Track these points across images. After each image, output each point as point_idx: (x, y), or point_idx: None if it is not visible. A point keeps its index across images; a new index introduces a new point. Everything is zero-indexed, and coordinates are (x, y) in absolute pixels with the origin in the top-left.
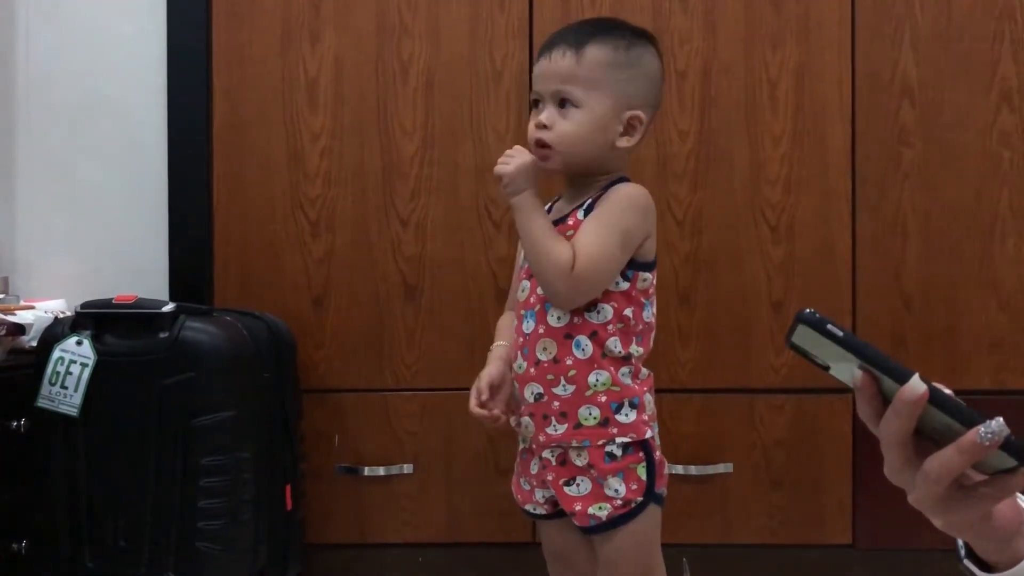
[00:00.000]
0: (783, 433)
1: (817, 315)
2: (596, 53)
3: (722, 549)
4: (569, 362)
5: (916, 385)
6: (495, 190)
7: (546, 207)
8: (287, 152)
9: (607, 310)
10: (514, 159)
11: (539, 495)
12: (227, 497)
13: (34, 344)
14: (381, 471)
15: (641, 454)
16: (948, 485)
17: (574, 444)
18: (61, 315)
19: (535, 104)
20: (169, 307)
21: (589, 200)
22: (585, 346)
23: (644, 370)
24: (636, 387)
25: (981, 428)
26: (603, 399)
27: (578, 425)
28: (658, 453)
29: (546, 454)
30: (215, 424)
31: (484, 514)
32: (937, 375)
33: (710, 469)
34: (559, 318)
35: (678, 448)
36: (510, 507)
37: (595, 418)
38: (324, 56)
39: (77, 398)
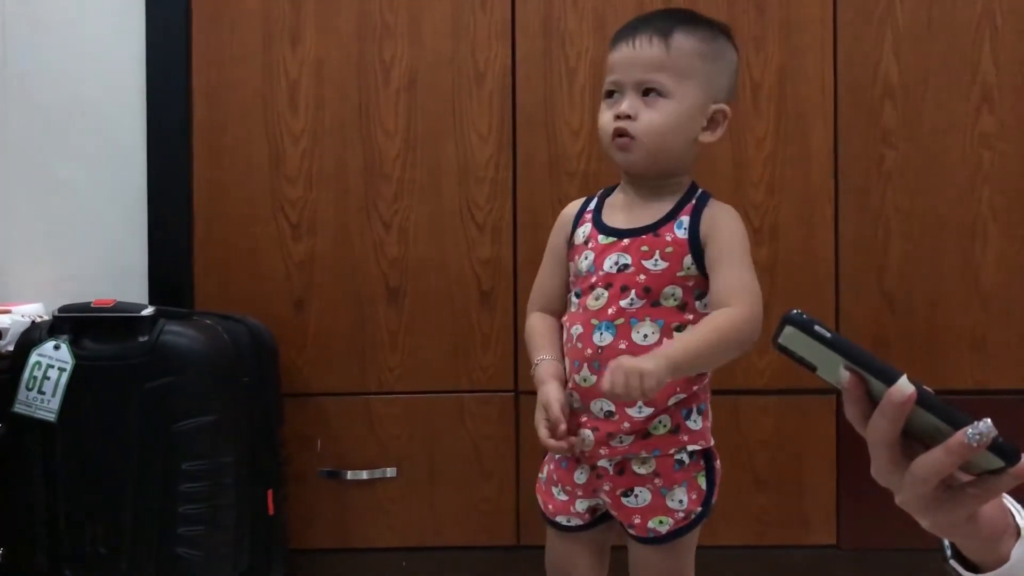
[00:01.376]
0: (768, 434)
1: (804, 316)
2: (685, 42)
3: (707, 551)
4: None
5: (904, 386)
6: (478, 192)
7: (592, 203)
8: (268, 154)
9: None
10: (644, 373)
11: (580, 505)
12: (208, 502)
13: (11, 349)
14: (364, 475)
15: (702, 462)
16: (935, 486)
17: (643, 455)
18: (38, 319)
19: (609, 95)
20: (148, 311)
21: (683, 217)
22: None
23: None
24: (702, 394)
25: (969, 429)
26: (673, 408)
27: (647, 435)
28: (718, 462)
29: (603, 463)
30: (196, 429)
31: (468, 517)
32: (919, 375)
33: None
34: (646, 336)
35: None
36: (494, 510)
37: (665, 426)
38: (305, 57)
39: (55, 403)
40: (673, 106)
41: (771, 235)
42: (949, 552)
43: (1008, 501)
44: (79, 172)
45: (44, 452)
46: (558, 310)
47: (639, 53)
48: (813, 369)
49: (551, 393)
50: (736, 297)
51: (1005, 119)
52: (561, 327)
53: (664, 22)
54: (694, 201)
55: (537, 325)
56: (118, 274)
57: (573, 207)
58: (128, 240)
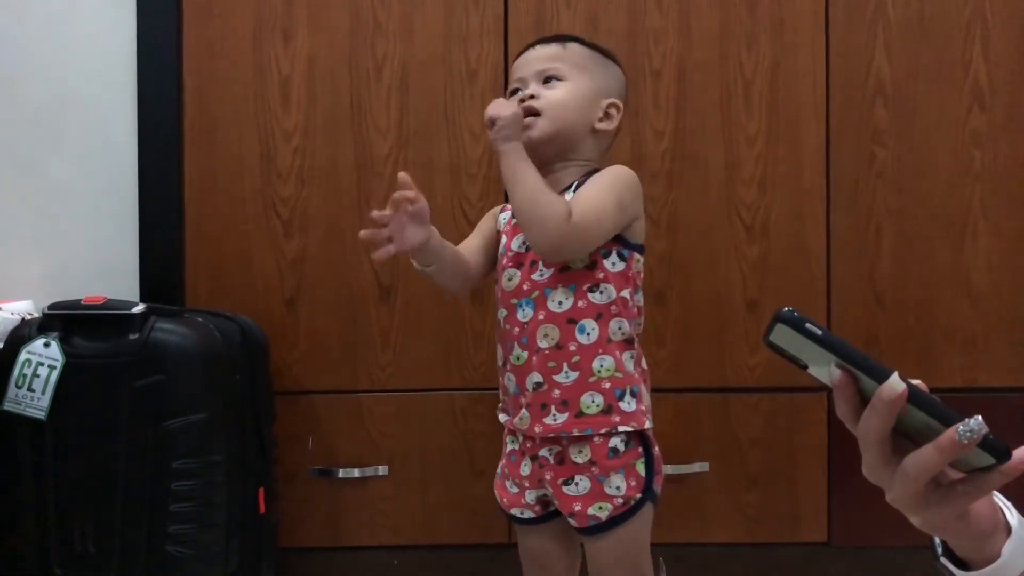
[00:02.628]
0: (759, 432)
1: (795, 314)
2: (579, 47)
3: (698, 548)
4: (573, 348)
5: (895, 383)
6: (470, 190)
7: (503, 217)
8: (259, 151)
9: (610, 290)
10: (506, 107)
11: (529, 497)
12: (198, 501)
13: (0, 346)
14: (356, 473)
15: (640, 449)
16: (926, 483)
17: (575, 433)
18: (28, 316)
19: (513, 93)
20: (139, 308)
21: (574, 183)
22: (591, 330)
23: (643, 360)
24: (637, 375)
25: (960, 426)
26: (607, 385)
27: (580, 414)
28: (656, 448)
29: (543, 452)
30: (186, 427)
31: (460, 515)
32: (910, 373)
33: (686, 468)
34: (560, 303)
35: None
36: (486, 508)
37: (598, 406)
38: (297, 54)
39: (44, 401)
40: (572, 86)
41: (762, 233)
42: (940, 550)
43: (998, 499)
44: (70, 169)
45: (33, 450)
46: (468, 253)
47: (538, 52)
48: (804, 367)
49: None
50: (577, 208)
51: (996, 118)
52: (462, 255)
53: (561, 36)
54: (590, 175)
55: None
56: (109, 272)
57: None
58: (119, 237)
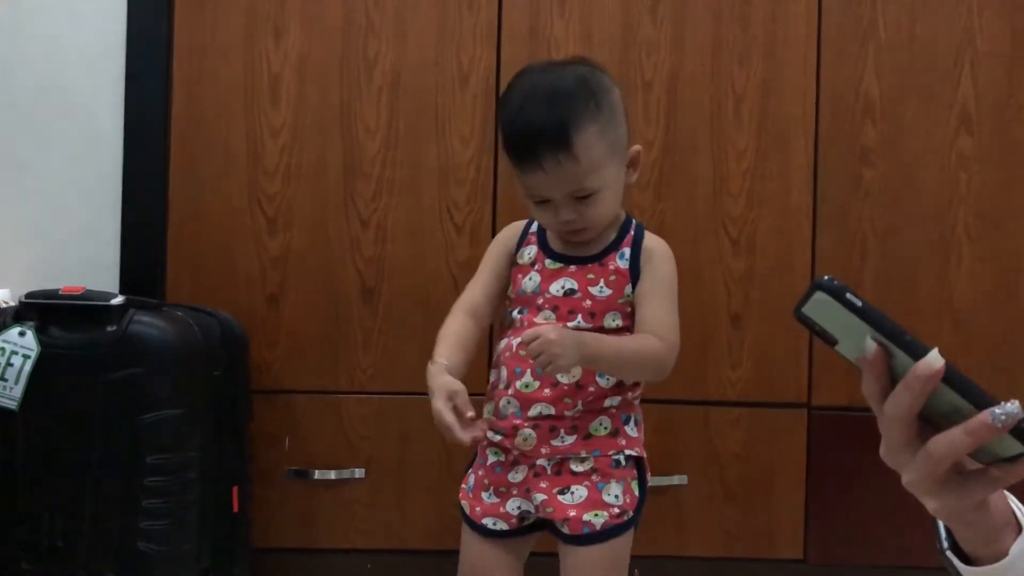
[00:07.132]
0: (738, 446)
1: (836, 282)
2: (583, 138)
3: (674, 561)
4: (592, 388)
5: (934, 360)
6: (458, 194)
7: (533, 226)
8: (246, 147)
9: None
10: (555, 340)
11: (511, 506)
12: (171, 497)
13: None
14: (332, 475)
15: (635, 471)
16: (947, 468)
17: (583, 455)
18: (5, 305)
19: (543, 202)
20: (118, 300)
21: (624, 248)
22: (610, 376)
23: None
24: (637, 406)
25: (996, 409)
26: (614, 411)
27: (588, 436)
28: (649, 474)
29: (541, 462)
30: (161, 422)
31: (436, 521)
32: None
33: (664, 480)
34: None
35: None
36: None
37: (606, 428)
38: (288, 51)
39: (18, 391)
40: (605, 195)
41: (748, 248)
42: (946, 544)
43: (1010, 498)
44: (54, 159)
45: (4, 440)
46: (480, 317)
47: (555, 177)
48: (834, 343)
49: (453, 384)
50: (663, 331)
51: (982, 141)
52: (477, 333)
53: (555, 128)
54: (632, 232)
55: (454, 327)
56: (89, 263)
57: (517, 227)
58: (101, 229)
